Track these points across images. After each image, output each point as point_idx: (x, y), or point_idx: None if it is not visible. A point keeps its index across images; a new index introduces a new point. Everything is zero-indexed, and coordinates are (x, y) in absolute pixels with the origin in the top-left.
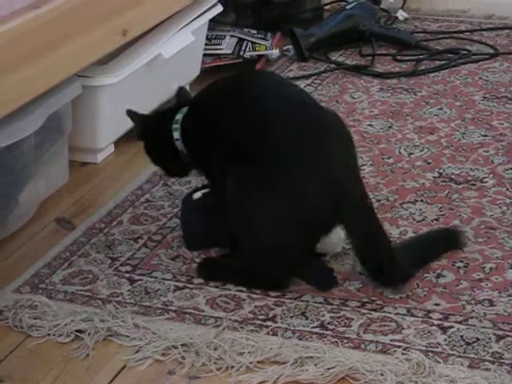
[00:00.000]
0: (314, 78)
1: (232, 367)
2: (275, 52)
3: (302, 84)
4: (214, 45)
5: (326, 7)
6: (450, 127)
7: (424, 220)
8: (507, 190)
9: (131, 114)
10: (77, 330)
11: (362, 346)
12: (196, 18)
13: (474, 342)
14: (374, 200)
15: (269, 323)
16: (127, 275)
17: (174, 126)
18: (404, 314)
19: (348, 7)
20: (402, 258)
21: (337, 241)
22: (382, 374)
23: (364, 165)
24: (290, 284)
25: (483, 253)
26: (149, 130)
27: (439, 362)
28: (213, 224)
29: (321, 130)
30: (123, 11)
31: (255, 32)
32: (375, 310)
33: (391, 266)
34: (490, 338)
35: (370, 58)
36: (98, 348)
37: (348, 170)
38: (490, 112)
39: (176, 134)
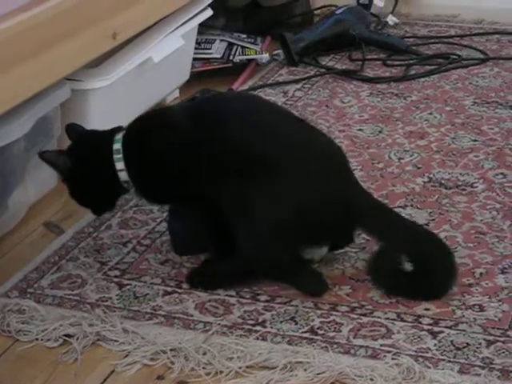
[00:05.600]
0: (303, 82)
1: (221, 372)
2: (265, 56)
3: (291, 89)
4: (204, 49)
5: (316, 12)
6: (440, 132)
7: None
8: (497, 195)
9: (46, 155)
10: (65, 335)
11: (352, 351)
12: (186, 21)
13: (464, 347)
14: None
15: (258, 328)
16: (116, 279)
17: (116, 156)
18: (394, 319)
19: (338, 12)
20: None
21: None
22: (371, 379)
23: (354, 169)
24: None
25: (473, 258)
26: (78, 168)
27: (429, 367)
28: (197, 231)
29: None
30: (113, 14)
31: (245, 36)
32: (365, 315)
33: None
34: (480, 344)
35: (359, 62)
36: (87, 352)
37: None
38: (480, 117)
39: (120, 165)
